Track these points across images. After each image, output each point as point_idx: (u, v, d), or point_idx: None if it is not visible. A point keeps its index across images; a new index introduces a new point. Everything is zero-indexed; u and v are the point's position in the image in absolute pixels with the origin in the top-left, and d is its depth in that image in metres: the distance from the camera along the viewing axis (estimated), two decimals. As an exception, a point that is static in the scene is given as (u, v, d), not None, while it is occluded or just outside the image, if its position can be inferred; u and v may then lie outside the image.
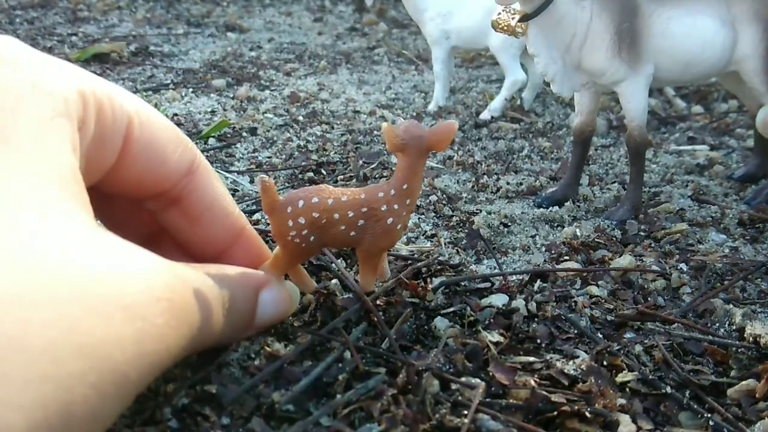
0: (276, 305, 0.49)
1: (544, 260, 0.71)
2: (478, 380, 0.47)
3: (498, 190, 0.91)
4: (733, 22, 0.72)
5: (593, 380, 0.49)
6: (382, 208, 0.48)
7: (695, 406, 0.48)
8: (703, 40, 0.72)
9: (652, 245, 0.74)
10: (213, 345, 0.45)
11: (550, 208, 0.83)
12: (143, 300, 0.33)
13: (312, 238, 0.48)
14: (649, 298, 0.63)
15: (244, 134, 1.09)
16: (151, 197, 0.47)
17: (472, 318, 0.56)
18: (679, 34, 0.71)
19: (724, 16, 0.72)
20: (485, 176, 0.95)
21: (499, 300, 0.59)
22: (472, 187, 0.92)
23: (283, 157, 1.01)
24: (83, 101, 0.38)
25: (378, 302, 0.55)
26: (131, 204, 0.48)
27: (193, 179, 0.47)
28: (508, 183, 0.92)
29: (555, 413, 0.45)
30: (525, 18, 0.71)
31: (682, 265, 0.69)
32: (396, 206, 0.49)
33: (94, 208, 0.37)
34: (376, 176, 0.93)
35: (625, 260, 0.68)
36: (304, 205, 0.47)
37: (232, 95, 1.27)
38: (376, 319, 0.53)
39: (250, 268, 0.49)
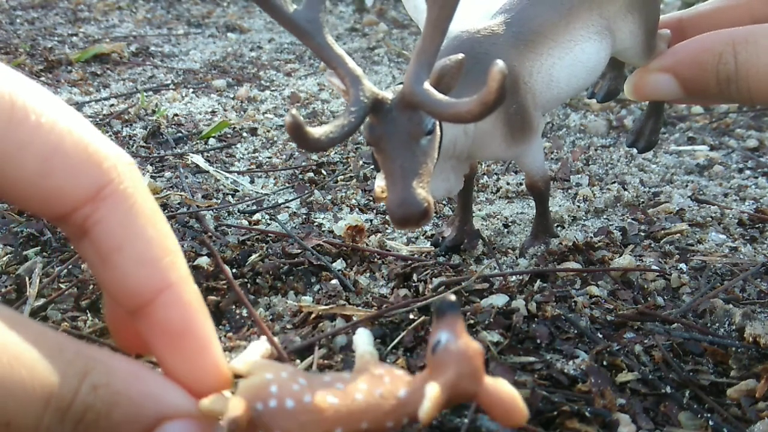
0: None
1: (544, 260, 0.71)
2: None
3: (498, 190, 0.91)
4: (608, 26, 0.63)
5: (593, 380, 0.49)
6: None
7: (695, 406, 0.48)
8: (587, 69, 0.63)
9: (652, 245, 0.74)
10: None
11: (559, 209, 0.83)
12: None
13: None
14: (648, 298, 0.63)
15: (245, 134, 1.09)
16: (52, 219, 0.38)
17: (472, 320, 0.57)
18: (564, 77, 0.62)
19: (599, 27, 0.63)
20: (485, 176, 0.95)
21: (499, 300, 0.60)
22: (472, 187, 0.92)
23: (284, 157, 1.01)
24: None
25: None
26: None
27: (101, 208, 0.37)
28: (508, 183, 0.92)
29: (555, 413, 0.45)
30: None
31: (682, 265, 0.69)
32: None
33: None
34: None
35: (625, 260, 0.68)
36: None
37: (232, 95, 1.27)
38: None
39: (174, 341, 0.37)
